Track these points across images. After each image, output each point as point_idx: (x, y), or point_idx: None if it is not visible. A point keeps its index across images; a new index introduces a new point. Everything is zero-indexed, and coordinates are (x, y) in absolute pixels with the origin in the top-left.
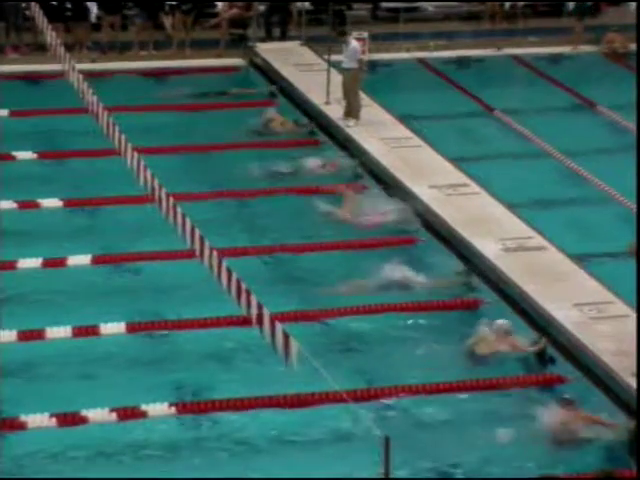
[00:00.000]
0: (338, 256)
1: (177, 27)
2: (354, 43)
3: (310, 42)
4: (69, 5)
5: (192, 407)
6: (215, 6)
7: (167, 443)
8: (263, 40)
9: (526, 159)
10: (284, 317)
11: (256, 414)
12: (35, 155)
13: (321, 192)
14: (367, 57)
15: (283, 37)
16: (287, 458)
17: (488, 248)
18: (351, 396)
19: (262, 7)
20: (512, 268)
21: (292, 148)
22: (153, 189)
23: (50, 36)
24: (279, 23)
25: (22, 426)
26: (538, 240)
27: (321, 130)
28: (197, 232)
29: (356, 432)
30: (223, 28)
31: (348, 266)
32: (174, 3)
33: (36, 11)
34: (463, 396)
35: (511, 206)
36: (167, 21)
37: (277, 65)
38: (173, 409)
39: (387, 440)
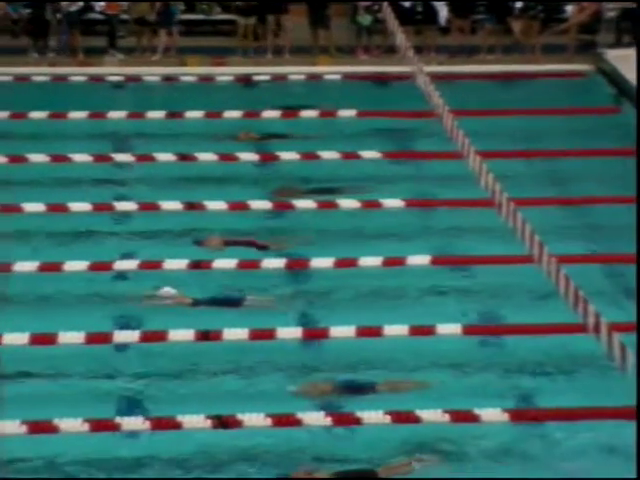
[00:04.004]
0: None
1: (526, 32)
2: None
3: None
4: (420, 8)
5: (524, 414)
6: (564, 11)
7: (498, 448)
8: (612, 46)
9: None
10: (622, 327)
11: (588, 425)
12: (380, 155)
13: None
14: None
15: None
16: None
17: None
18: None
19: (612, 13)
20: None
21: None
22: (494, 193)
23: (400, 39)
24: (631, 29)
25: (358, 421)
26: None
27: None
28: (536, 238)
29: None
30: (572, 33)
31: None
32: (523, 7)
33: (388, 13)
34: None
35: None
36: (516, 25)
37: (625, 72)
38: (506, 415)
39: None
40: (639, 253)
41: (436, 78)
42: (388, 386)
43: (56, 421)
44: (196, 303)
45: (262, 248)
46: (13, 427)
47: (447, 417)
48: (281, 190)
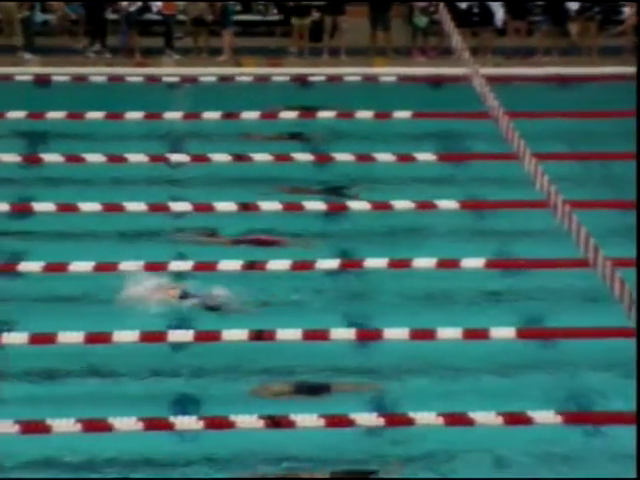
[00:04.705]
0: None
1: (582, 33)
2: None
3: None
4: (476, 10)
5: (577, 417)
6: (622, 12)
7: (549, 450)
8: None
9: None
10: None
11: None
12: (435, 157)
13: None
14: None
15: None
16: None
17: None
18: None
19: None
20: None
21: None
22: (549, 195)
23: (456, 40)
24: None
25: (411, 422)
26: None
27: None
28: (592, 240)
29: None
30: (629, 35)
31: None
32: (580, 8)
33: (444, 15)
34: None
35: None
36: (573, 27)
37: None
38: (559, 417)
39: None
40: (639, 254)
41: (492, 80)
42: (344, 387)
43: (110, 420)
44: (183, 296)
45: (273, 244)
46: (68, 425)
47: (500, 419)
48: (293, 189)
